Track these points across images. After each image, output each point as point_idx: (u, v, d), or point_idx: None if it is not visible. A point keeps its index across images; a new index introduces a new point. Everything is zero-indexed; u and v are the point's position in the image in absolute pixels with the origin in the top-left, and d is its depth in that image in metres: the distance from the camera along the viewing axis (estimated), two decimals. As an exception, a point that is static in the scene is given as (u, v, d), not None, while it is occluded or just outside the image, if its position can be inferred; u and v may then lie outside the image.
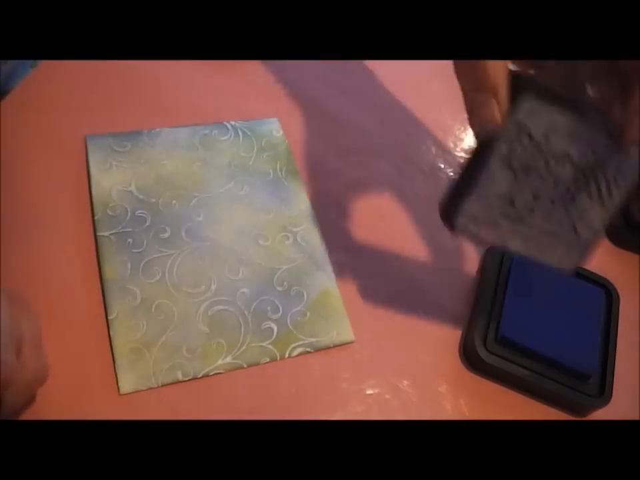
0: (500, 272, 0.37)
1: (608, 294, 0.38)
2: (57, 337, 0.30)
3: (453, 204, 0.28)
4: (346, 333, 0.34)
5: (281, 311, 0.34)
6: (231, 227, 0.36)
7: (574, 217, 0.29)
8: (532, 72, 0.29)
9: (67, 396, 0.29)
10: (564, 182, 0.29)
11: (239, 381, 0.31)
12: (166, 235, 0.35)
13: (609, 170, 0.29)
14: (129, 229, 0.34)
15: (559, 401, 0.34)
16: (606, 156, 0.29)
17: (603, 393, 0.34)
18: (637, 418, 0.35)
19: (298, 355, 0.32)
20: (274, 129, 0.41)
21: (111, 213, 0.35)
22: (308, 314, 0.34)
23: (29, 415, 0.28)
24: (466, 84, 0.27)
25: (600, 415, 0.33)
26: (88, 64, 0.41)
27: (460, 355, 0.35)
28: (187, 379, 0.30)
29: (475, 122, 0.27)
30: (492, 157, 0.28)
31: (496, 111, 0.26)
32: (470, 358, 0.34)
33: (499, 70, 0.25)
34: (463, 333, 0.36)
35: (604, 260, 0.41)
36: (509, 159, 0.28)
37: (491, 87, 0.26)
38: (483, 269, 0.38)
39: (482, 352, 0.34)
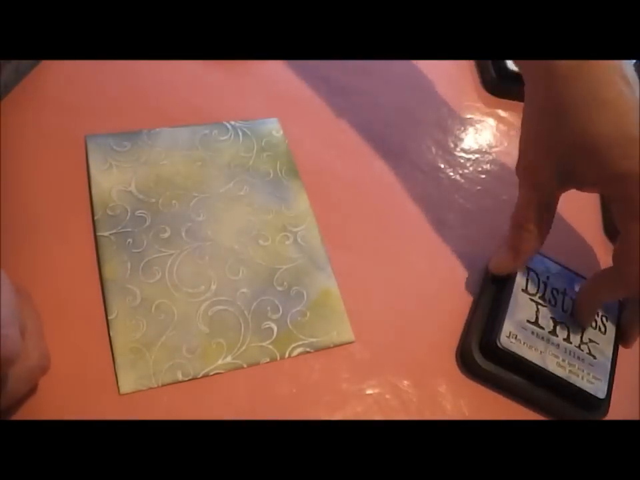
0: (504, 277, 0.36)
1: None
2: (56, 337, 0.30)
3: (490, 331, 0.33)
4: (346, 333, 0.34)
5: (280, 311, 0.34)
6: (231, 227, 0.36)
7: (587, 342, 0.34)
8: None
9: (67, 396, 0.29)
10: (570, 311, 0.35)
11: (239, 380, 0.31)
12: (166, 235, 0.35)
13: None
14: (129, 229, 0.34)
15: (555, 413, 0.33)
16: None
17: (600, 406, 0.33)
18: (637, 418, 0.35)
19: (298, 355, 0.32)
20: (274, 128, 0.41)
21: (110, 213, 0.35)
22: (308, 314, 0.34)
23: (28, 415, 0.28)
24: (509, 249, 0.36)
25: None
26: (88, 64, 0.41)
27: (457, 361, 0.34)
28: (187, 379, 0.30)
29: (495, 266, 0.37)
30: (514, 288, 0.35)
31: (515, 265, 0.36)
32: (466, 364, 0.34)
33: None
34: (460, 338, 0.35)
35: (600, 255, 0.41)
36: (526, 290, 0.35)
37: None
38: (486, 274, 0.37)
39: (479, 359, 0.33)
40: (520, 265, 0.35)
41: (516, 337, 0.33)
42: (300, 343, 0.33)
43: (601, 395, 0.32)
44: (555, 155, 0.32)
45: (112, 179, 0.36)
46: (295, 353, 0.32)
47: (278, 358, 0.32)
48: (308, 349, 0.33)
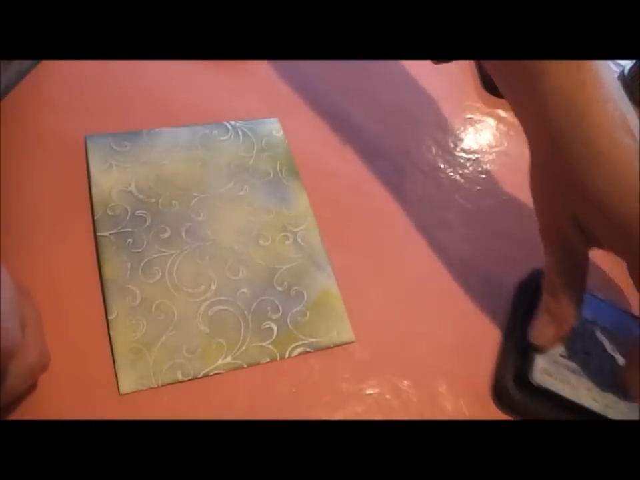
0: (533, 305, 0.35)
1: None
2: (56, 337, 0.30)
3: (522, 367, 0.33)
4: (346, 333, 0.34)
5: (280, 311, 0.34)
6: (231, 227, 0.36)
7: (617, 372, 0.34)
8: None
9: (67, 396, 0.29)
10: (601, 342, 0.35)
11: (239, 380, 0.31)
12: (166, 235, 0.35)
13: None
14: (129, 229, 0.34)
15: None
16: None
17: None
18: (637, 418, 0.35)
19: (298, 355, 0.32)
20: (274, 128, 0.41)
21: (110, 213, 0.35)
22: (308, 314, 0.34)
23: (28, 415, 0.28)
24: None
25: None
26: (88, 64, 0.41)
27: (492, 395, 0.34)
28: (187, 379, 0.30)
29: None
30: None
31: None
32: (501, 398, 0.33)
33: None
34: (495, 370, 0.34)
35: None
36: None
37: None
38: (515, 298, 0.37)
39: (513, 393, 0.33)
40: (563, 333, 0.33)
41: (548, 373, 0.33)
42: (300, 343, 0.33)
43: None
44: (571, 214, 0.30)
45: (112, 179, 0.36)
46: (295, 353, 0.32)
47: (278, 358, 0.32)
48: (308, 349, 0.33)
